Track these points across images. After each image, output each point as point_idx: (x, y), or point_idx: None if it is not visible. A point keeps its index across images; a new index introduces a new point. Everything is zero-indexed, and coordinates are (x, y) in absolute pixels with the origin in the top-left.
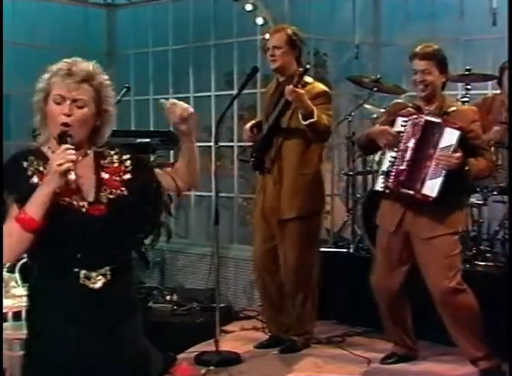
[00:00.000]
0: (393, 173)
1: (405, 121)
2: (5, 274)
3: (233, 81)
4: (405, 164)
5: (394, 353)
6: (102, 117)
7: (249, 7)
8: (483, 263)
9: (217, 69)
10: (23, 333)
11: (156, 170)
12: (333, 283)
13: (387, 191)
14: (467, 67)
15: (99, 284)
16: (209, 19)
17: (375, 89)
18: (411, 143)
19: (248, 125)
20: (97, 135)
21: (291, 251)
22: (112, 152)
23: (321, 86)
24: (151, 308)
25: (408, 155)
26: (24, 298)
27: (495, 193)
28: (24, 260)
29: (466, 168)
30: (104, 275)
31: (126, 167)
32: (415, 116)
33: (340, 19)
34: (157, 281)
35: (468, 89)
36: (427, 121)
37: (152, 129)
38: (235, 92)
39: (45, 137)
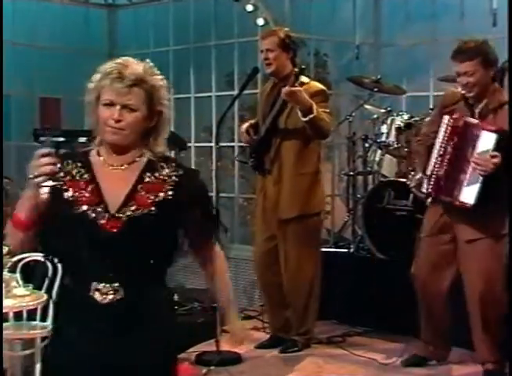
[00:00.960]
0: (433, 178)
1: (450, 121)
2: (7, 274)
3: (234, 82)
4: (443, 169)
5: (416, 354)
6: (157, 119)
7: (250, 8)
8: None
9: (217, 69)
10: (24, 333)
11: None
12: (333, 283)
13: (430, 196)
14: None
15: (107, 299)
16: (210, 19)
17: (375, 90)
18: (449, 147)
19: (244, 126)
20: (152, 139)
21: (292, 251)
22: (165, 165)
23: (317, 85)
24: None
25: (446, 159)
26: (26, 298)
27: None
28: (25, 260)
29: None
30: (116, 290)
31: (170, 185)
32: (456, 117)
33: (340, 20)
34: None
35: None
36: (465, 122)
37: None
38: (235, 92)
39: (98, 140)
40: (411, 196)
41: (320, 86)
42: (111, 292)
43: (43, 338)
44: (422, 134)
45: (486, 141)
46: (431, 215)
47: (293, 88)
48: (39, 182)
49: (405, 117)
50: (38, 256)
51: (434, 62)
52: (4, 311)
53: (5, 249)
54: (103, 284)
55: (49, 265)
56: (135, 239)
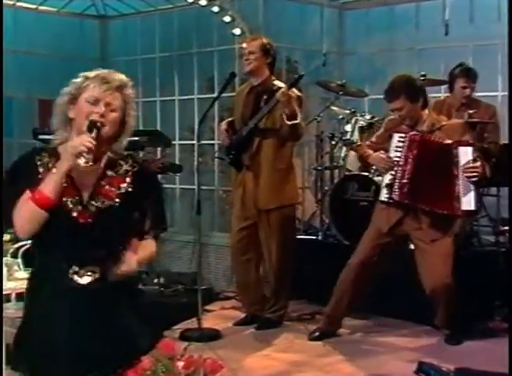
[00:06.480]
0: (396, 185)
1: (403, 137)
2: (9, 259)
3: (214, 86)
4: (406, 176)
5: (321, 329)
6: (124, 127)
7: (227, 19)
8: None
9: (199, 74)
10: None
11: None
12: (304, 266)
13: (391, 201)
14: (422, 73)
15: (85, 280)
16: (191, 29)
17: (341, 93)
18: (418, 162)
19: (223, 125)
20: (116, 143)
21: (271, 238)
22: (123, 162)
23: (296, 91)
24: (141, 290)
25: (408, 168)
26: (26, 281)
27: None
28: (26, 247)
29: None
30: (93, 272)
31: (129, 179)
32: (421, 138)
33: (309, 31)
34: (146, 266)
35: None
36: (441, 144)
37: (140, 128)
38: (215, 95)
39: (62, 137)
40: (372, 188)
41: (298, 92)
42: (88, 274)
43: None
44: (370, 142)
45: (465, 154)
46: (384, 212)
47: (289, 92)
48: (79, 150)
49: (367, 117)
50: None
51: (392, 68)
52: (7, 292)
53: (7, 236)
54: (80, 268)
55: None
56: (103, 228)
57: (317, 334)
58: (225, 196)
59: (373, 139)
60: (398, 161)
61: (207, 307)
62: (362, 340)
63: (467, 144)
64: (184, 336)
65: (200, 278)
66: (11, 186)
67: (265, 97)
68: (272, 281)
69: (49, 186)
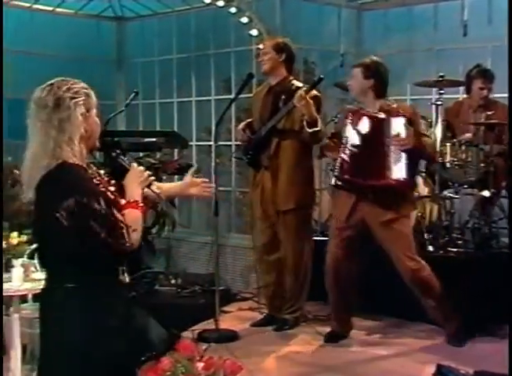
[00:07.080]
0: (338, 164)
1: (352, 120)
2: (26, 260)
3: (231, 87)
4: (348, 155)
5: (334, 331)
6: None
7: (245, 20)
8: (455, 249)
9: (216, 75)
10: None
11: None
12: (320, 268)
13: (339, 183)
14: (441, 74)
15: (126, 279)
16: (209, 30)
17: None
18: (357, 139)
19: (240, 126)
20: None
21: (289, 238)
22: (92, 165)
23: (314, 92)
24: (158, 290)
25: (349, 147)
26: (43, 282)
27: (466, 186)
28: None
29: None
30: (126, 271)
31: (108, 181)
32: (361, 114)
33: (326, 31)
34: (163, 267)
35: (441, 93)
36: (375, 117)
37: (158, 130)
38: (232, 96)
39: (74, 151)
40: None
41: (317, 93)
42: (126, 274)
43: None
44: (331, 133)
45: (397, 125)
46: (340, 200)
47: (306, 96)
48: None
49: None
50: None
51: (411, 68)
52: (24, 293)
53: (24, 237)
54: (124, 268)
55: None
56: None
57: (330, 336)
58: (242, 197)
59: (333, 129)
60: (344, 143)
61: (225, 308)
62: (376, 341)
63: (400, 115)
64: (201, 337)
65: (217, 279)
66: (97, 203)
67: (283, 97)
68: (289, 282)
69: (139, 198)
